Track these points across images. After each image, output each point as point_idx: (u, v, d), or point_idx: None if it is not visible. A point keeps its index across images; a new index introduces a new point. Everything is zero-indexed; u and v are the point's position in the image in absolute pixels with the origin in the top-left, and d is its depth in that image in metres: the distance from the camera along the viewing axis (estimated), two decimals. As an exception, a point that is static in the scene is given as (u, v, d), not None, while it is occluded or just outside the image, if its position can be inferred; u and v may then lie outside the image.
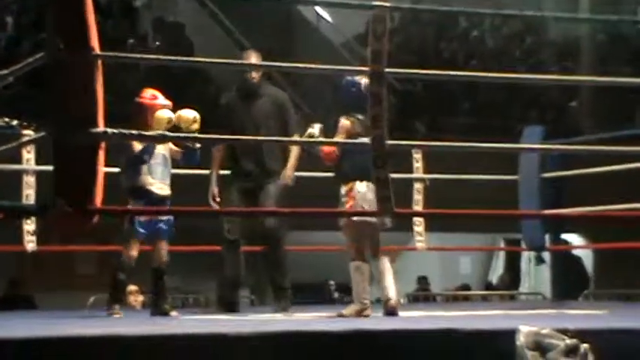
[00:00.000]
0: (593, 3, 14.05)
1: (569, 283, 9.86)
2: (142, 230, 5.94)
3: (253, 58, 6.57)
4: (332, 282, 14.34)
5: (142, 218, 5.93)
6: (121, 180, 5.95)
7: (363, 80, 5.65)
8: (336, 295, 13.98)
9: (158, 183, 5.98)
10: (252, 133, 6.29)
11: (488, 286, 15.66)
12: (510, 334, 3.51)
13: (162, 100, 6.07)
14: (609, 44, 16.14)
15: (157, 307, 6.14)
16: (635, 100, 14.19)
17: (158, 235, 6.05)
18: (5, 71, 3.96)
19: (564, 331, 3.50)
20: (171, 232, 6.08)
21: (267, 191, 6.38)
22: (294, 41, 15.64)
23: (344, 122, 5.66)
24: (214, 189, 6.48)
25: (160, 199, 5.95)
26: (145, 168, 5.94)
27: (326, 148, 5.66)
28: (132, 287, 9.24)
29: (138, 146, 5.92)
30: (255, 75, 6.55)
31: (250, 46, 14.97)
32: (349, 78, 5.77)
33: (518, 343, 3.50)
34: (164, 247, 6.10)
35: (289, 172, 6.41)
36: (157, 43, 14.02)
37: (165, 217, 6.02)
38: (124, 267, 6.01)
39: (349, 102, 5.70)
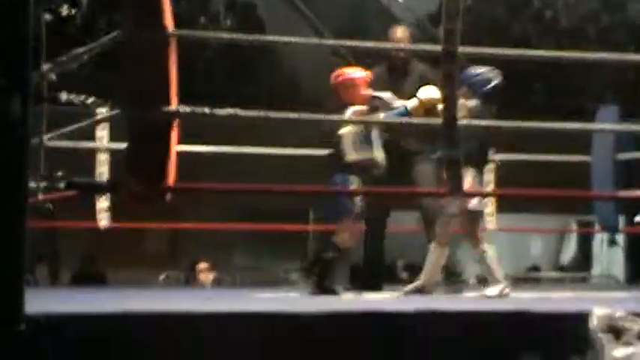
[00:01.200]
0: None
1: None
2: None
3: (399, 32, 6.39)
4: (399, 262, 14.29)
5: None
6: None
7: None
8: (403, 275, 13.93)
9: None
10: None
11: (560, 269, 15.50)
12: (584, 318, 3.47)
13: (360, 71, 6.02)
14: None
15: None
16: None
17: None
18: (80, 50, 4.00)
19: (639, 315, 3.45)
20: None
21: (418, 170, 6.18)
22: (365, 21, 15.57)
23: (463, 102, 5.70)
24: None
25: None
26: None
27: None
28: (202, 265, 9.31)
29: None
30: (401, 52, 6.31)
31: (321, 26, 15.02)
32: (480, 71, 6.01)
33: (591, 326, 3.45)
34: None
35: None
36: (229, 22, 14.07)
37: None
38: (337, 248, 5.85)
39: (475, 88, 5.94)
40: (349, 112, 5.80)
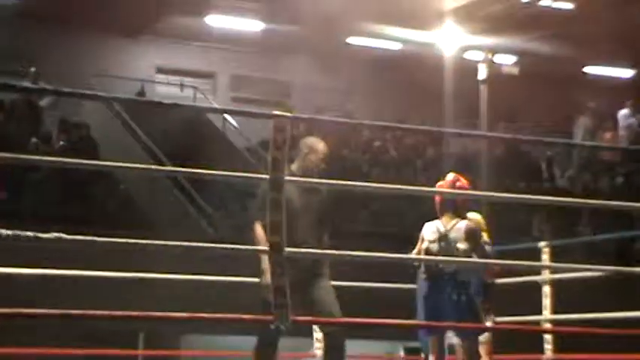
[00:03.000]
0: (492, 119, 14.48)
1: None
2: None
3: (323, 146, 6.26)
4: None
5: None
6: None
7: None
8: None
9: None
10: (306, 225, 5.91)
11: (390, 395, 15.58)
12: None
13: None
14: (506, 158, 16.57)
15: None
16: (531, 213, 14.51)
17: None
18: None
19: None
20: None
21: (324, 286, 6.06)
22: (199, 144, 15.70)
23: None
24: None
25: None
26: None
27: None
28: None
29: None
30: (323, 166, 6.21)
31: (156, 148, 15.04)
32: None
33: None
34: None
35: None
36: (62, 142, 13.94)
37: None
38: None
39: None
40: (464, 224, 6.08)
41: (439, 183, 6.52)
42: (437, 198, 6.38)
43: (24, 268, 6.62)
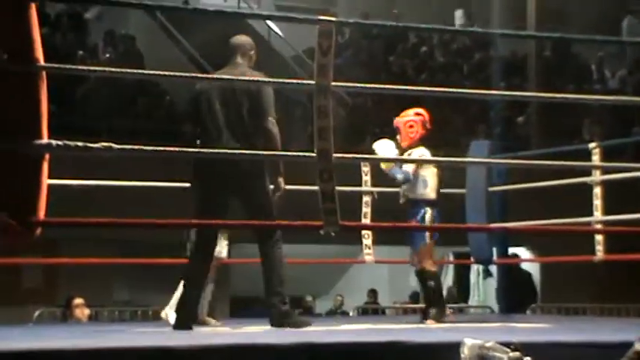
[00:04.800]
0: (540, 20, 14.24)
1: (517, 296, 9.93)
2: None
3: None
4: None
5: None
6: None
7: None
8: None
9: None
10: None
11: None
12: (455, 347, 3.54)
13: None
14: (555, 61, 16.33)
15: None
16: (581, 115, 14.35)
17: None
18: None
19: (508, 344, 3.54)
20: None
21: None
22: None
23: None
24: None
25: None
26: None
27: None
28: (78, 300, 9.16)
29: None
30: None
31: (202, 59, 15.01)
32: None
33: (462, 356, 3.52)
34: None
35: None
36: (108, 55, 13.96)
37: None
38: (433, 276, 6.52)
39: None
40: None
41: (401, 119, 6.72)
42: (421, 130, 6.59)
43: (75, 180, 6.69)
